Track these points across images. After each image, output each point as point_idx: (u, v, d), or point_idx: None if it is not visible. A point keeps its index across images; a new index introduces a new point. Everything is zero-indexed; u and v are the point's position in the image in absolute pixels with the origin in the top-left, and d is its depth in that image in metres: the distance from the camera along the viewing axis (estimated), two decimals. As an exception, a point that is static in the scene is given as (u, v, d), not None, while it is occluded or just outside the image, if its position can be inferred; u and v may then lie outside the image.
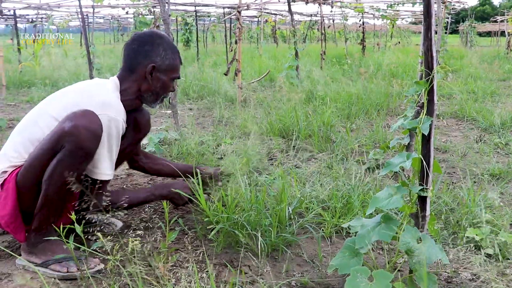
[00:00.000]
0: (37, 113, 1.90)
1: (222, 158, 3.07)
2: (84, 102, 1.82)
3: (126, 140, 2.12)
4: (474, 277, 1.77)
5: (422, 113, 1.44)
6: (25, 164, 1.78)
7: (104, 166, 1.86)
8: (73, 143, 1.69)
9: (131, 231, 1.72)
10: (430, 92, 1.44)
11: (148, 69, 2.00)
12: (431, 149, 1.47)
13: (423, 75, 1.45)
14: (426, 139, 1.48)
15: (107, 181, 1.94)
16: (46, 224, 1.78)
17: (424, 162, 1.48)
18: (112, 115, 1.83)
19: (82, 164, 1.75)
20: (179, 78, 2.14)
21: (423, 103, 1.46)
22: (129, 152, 2.28)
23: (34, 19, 13.55)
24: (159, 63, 2.02)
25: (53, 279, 1.74)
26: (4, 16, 12.74)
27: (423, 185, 1.50)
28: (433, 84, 1.42)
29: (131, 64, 2.02)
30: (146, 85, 2.03)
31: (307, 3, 8.77)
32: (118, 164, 2.22)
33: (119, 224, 2.23)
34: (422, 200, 1.54)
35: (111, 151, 1.86)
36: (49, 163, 1.72)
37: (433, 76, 1.41)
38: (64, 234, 1.53)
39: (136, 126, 2.18)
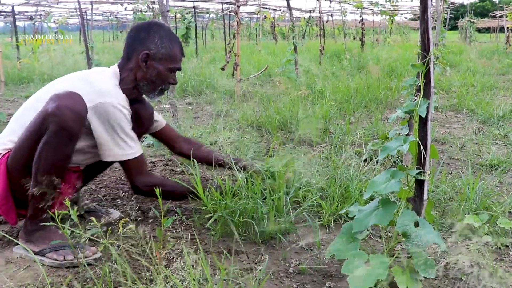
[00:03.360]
0: (35, 99, 1.90)
1: (220, 149, 3.06)
2: (82, 89, 1.81)
3: None
4: (472, 263, 1.76)
5: (419, 96, 1.43)
6: (14, 147, 1.79)
7: (119, 150, 1.88)
8: (56, 123, 1.68)
9: (127, 221, 1.71)
10: (427, 75, 1.42)
11: (142, 56, 1.97)
12: (428, 132, 1.46)
13: (420, 58, 1.44)
14: (423, 123, 1.47)
15: (138, 160, 1.95)
16: (40, 211, 1.76)
17: (421, 145, 1.47)
18: (113, 101, 1.83)
19: (67, 145, 1.73)
20: (179, 69, 2.07)
21: (419, 86, 1.45)
22: None
23: (33, 16, 13.51)
24: (153, 51, 1.98)
25: (50, 267, 1.73)
26: (2, 13, 12.72)
27: (420, 169, 1.50)
28: (429, 67, 1.41)
29: (128, 52, 2.01)
30: (141, 73, 1.99)
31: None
32: None
33: (116, 214, 2.22)
34: (420, 184, 1.53)
35: (124, 132, 1.88)
36: (36, 146, 1.71)
37: (429, 58, 1.40)
38: (59, 221, 1.52)
39: (138, 119, 2.09)
